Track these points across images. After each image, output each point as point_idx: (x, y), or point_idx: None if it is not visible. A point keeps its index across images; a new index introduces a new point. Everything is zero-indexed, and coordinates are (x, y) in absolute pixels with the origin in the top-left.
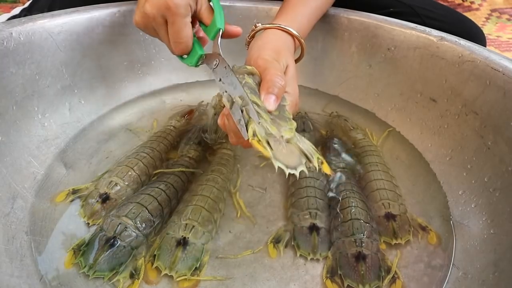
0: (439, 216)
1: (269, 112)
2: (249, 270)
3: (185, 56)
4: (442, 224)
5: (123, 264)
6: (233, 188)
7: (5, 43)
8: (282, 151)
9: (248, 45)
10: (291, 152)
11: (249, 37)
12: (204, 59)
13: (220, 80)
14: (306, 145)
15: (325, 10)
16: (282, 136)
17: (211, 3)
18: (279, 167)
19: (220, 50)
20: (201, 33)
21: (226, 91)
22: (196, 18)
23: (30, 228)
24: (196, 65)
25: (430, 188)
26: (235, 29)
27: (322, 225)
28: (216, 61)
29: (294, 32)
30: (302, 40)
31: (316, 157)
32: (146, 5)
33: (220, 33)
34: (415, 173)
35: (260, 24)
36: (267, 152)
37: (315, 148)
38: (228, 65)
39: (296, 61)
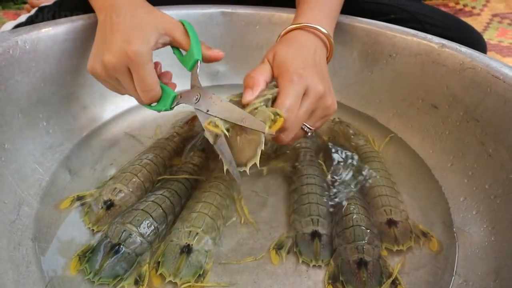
0: (441, 223)
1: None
2: (252, 277)
3: (154, 104)
4: (443, 231)
5: (127, 271)
6: (236, 195)
7: (10, 52)
8: (239, 142)
9: None
10: (249, 143)
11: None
12: (180, 98)
13: (207, 111)
14: (268, 111)
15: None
16: (245, 109)
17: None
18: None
19: (200, 83)
20: (165, 79)
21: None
22: (174, 46)
23: (35, 235)
24: (171, 108)
25: (431, 195)
26: (216, 54)
27: (324, 231)
28: (197, 95)
29: (316, 26)
30: (324, 31)
31: (268, 122)
32: (106, 56)
33: (199, 64)
34: (416, 179)
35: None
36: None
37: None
38: (214, 94)
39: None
